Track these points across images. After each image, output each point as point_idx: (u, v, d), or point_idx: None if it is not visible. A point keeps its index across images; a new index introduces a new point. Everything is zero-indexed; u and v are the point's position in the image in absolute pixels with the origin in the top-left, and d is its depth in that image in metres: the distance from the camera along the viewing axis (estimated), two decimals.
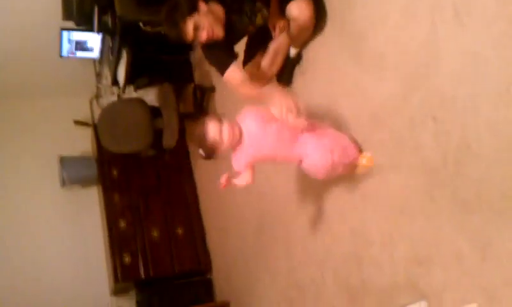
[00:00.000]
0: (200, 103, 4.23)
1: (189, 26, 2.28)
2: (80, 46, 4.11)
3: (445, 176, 1.74)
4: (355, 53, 2.25)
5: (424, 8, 1.81)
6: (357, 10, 2.23)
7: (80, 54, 4.17)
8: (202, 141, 2.01)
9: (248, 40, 2.68)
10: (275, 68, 2.64)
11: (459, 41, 1.66)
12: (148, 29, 3.46)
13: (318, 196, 2.60)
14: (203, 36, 2.31)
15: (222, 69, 2.41)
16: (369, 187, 2.17)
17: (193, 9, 2.27)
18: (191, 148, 4.75)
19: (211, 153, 2.03)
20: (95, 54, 4.22)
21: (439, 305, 1.80)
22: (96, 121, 4.52)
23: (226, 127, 1.99)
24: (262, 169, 3.19)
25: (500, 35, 1.51)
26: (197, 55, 4.38)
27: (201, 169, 4.59)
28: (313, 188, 2.65)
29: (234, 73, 2.39)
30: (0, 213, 4.58)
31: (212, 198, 4.36)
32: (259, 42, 2.60)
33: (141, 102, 4.04)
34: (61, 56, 4.15)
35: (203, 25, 2.29)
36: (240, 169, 2.09)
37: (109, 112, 4.10)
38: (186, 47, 4.40)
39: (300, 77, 2.74)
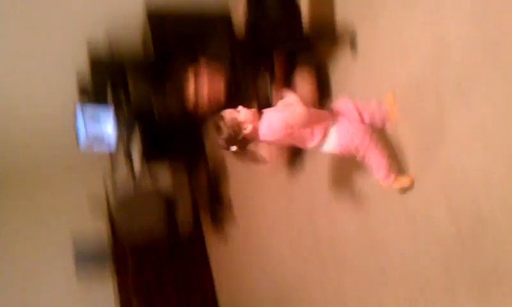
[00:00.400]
0: (214, 190, 4.20)
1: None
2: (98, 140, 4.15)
3: (461, 250, 1.70)
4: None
5: (429, 84, 1.82)
6: (359, 79, 2.27)
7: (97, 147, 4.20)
8: (222, 128, 1.86)
9: None
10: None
11: (464, 116, 1.65)
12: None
13: (335, 277, 2.52)
14: None
15: None
16: (388, 268, 2.11)
17: None
18: (207, 236, 4.71)
19: (236, 138, 1.86)
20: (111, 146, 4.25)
21: None
22: (112, 210, 4.51)
23: (241, 108, 1.89)
24: (277, 254, 3.15)
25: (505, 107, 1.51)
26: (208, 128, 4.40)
27: (217, 257, 4.54)
28: (329, 272, 2.58)
29: None
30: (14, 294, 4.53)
31: (229, 286, 4.26)
32: None
33: (155, 195, 4.06)
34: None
35: None
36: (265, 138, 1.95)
37: (125, 204, 4.13)
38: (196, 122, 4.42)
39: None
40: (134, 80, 3.70)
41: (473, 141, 1.63)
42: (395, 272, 2.07)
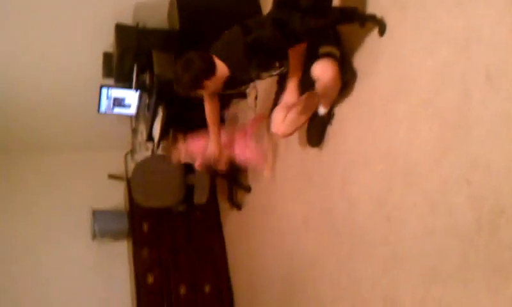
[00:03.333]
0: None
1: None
2: (118, 102, 4.26)
3: (480, 240, 1.70)
4: (384, 114, 2.26)
5: (456, 72, 1.82)
6: (384, 72, 2.27)
7: (117, 110, 4.32)
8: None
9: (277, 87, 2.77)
10: (294, 128, 2.74)
11: (492, 104, 1.66)
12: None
13: (349, 257, 2.57)
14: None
15: None
16: (401, 250, 2.13)
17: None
18: (221, 203, 4.78)
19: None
20: (132, 110, 4.36)
21: None
22: (129, 176, 4.62)
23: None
24: (291, 228, 3.20)
25: None
26: (231, 113, 4.47)
27: (231, 226, 4.59)
28: (343, 250, 2.62)
29: None
30: (31, 263, 4.65)
31: (241, 256, 4.33)
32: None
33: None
34: (99, 112, 4.30)
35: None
36: None
37: (143, 166, 4.18)
38: (221, 106, 4.49)
39: (331, 136, 2.77)
40: (160, 61, 3.76)
41: (499, 129, 1.62)
42: (407, 254, 2.08)
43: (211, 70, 2.42)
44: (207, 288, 4.49)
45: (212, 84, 2.47)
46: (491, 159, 1.65)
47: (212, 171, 3.56)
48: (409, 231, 2.08)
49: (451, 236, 1.83)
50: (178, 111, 4.06)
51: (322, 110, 2.69)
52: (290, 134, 2.81)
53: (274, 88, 2.88)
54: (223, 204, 4.74)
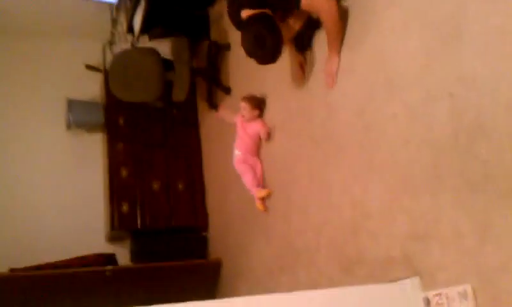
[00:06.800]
0: (213, 61, 4.19)
1: None
2: None
3: (455, 154, 1.72)
4: (377, 24, 2.20)
5: None
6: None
7: None
8: None
9: None
10: None
11: (487, 17, 1.61)
12: None
13: (323, 163, 2.59)
14: None
15: None
16: (377, 159, 2.15)
17: None
18: (200, 103, 4.74)
19: None
20: None
21: (432, 283, 1.80)
22: (107, 67, 4.49)
23: None
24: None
25: None
26: (217, 10, 4.31)
27: (208, 126, 4.58)
28: (317, 156, 2.64)
29: None
30: (2, 149, 4.59)
31: (216, 157, 4.35)
32: None
33: (154, 51, 3.99)
34: None
35: None
36: None
37: (122, 58, 4.07)
38: (206, 2, 4.34)
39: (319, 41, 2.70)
40: None
41: (491, 44, 1.59)
42: (381, 162, 2.11)
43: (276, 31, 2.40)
44: (181, 186, 4.54)
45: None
46: (478, 73, 1.63)
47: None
48: (386, 140, 2.09)
49: (427, 147, 1.85)
50: (161, 2, 3.90)
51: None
52: None
53: None
54: (201, 104, 4.69)
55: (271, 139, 3.19)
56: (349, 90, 2.38)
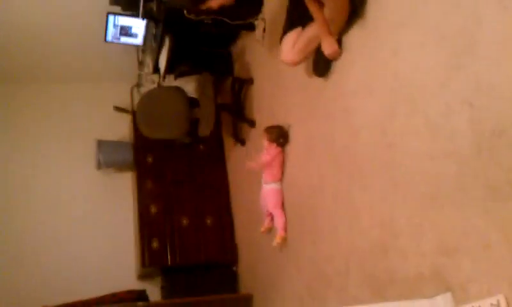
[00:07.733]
0: (237, 95, 4.28)
1: None
2: (125, 31, 4.22)
3: (478, 163, 1.70)
4: (393, 41, 2.23)
5: None
6: None
7: (124, 39, 4.28)
8: None
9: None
10: (302, 56, 2.73)
11: (501, 26, 1.63)
12: (192, 17, 3.52)
13: (347, 186, 2.59)
14: None
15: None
16: (401, 176, 2.15)
17: None
18: (225, 138, 4.81)
19: None
20: (139, 40, 4.33)
21: (464, 296, 1.76)
22: (135, 107, 4.63)
23: None
24: (291, 159, 3.22)
25: None
26: (239, 46, 4.43)
27: (234, 160, 4.63)
28: (342, 180, 2.64)
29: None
30: (36, 191, 4.74)
31: (243, 190, 4.38)
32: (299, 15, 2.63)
33: (179, 90, 4.10)
34: (105, 41, 4.27)
35: None
36: None
37: (148, 98, 4.19)
38: (228, 39, 4.47)
39: (337, 66, 2.74)
40: None
41: (502, 50, 1.59)
42: (406, 180, 2.10)
43: None
44: (209, 221, 4.57)
45: None
46: (496, 81, 1.64)
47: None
48: (410, 157, 2.08)
49: (450, 160, 1.84)
50: (185, 42, 4.03)
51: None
52: (299, 63, 2.78)
53: (283, 16, 2.84)
54: (227, 139, 4.76)
55: (294, 166, 3.21)
56: (370, 110, 2.40)
